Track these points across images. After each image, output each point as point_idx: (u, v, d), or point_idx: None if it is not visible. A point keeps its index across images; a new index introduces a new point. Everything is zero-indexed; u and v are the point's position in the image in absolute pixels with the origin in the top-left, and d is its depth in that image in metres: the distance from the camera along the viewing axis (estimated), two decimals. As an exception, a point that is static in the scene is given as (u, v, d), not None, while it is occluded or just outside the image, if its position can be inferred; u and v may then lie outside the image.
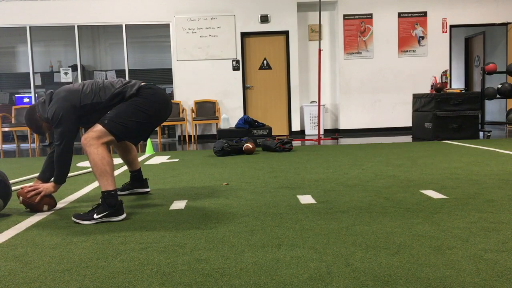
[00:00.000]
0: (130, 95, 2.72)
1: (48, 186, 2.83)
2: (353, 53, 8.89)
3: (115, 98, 2.72)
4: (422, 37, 8.91)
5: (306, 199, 2.96)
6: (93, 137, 2.61)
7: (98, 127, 2.65)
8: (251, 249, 1.97)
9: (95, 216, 2.52)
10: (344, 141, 7.29)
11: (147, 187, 3.36)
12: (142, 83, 2.80)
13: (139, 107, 2.71)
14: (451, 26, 8.96)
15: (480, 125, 7.16)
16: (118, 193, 3.27)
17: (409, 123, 8.93)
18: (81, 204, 3.04)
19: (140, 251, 1.99)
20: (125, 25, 8.74)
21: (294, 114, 8.97)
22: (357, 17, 8.86)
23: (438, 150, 5.48)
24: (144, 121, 2.74)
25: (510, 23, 9.01)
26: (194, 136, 8.76)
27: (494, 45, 9.78)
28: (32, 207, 2.83)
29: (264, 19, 8.73)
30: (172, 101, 8.79)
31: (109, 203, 2.54)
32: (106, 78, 8.89)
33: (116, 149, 3.23)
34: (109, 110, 2.72)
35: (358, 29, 8.87)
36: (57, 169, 2.74)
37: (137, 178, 3.33)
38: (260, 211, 2.65)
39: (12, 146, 8.49)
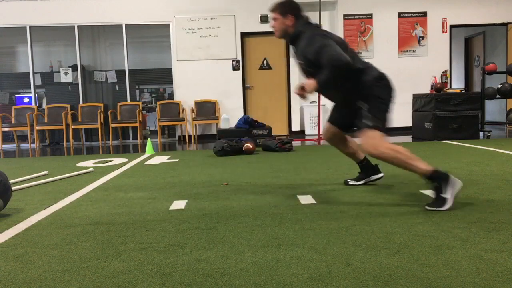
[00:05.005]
0: (375, 77, 2.76)
1: (312, 82, 2.75)
2: (353, 53, 8.88)
3: (360, 72, 2.76)
4: (422, 37, 8.91)
5: (306, 199, 2.96)
6: (373, 143, 2.69)
7: (370, 133, 2.71)
8: (251, 249, 1.97)
9: (447, 196, 2.51)
10: (344, 141, 7.28)
11: (380, 172, 3.34)
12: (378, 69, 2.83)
13: (389, 95, 2.78)
14: (451, 26, 8.95)
15: (480, 125, 7.16)
16: (354, 183, 3.35)
17: (409, 123, 8.92)
18: (81, 204, 3.03)
19: (140, 251, 1.99)
20: (125, 25, 8.73)
21: (294, 114, 8.97)
22: (357, 17, 8.86)
23: (438, 150, 5.48)
24: (389, 109, 2.82)
25: (510, 23, 9.01)
26: (194, 136, 8.76)
27: (494, 45, 9.78)
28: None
29: (264, 19, 8.73)
30: (172, 101, 8.79)
31: (442, 177, 2.53)
32: (106, 78, 8.89)
33: (336, 146, 3.22)
34: (347, 82, 2.75)
35: (358, 29, 8.87)
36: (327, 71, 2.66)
37: (367, 166, 3.32)
38: (260, 211, 2.65)
39: (12, 146, 8.49)
